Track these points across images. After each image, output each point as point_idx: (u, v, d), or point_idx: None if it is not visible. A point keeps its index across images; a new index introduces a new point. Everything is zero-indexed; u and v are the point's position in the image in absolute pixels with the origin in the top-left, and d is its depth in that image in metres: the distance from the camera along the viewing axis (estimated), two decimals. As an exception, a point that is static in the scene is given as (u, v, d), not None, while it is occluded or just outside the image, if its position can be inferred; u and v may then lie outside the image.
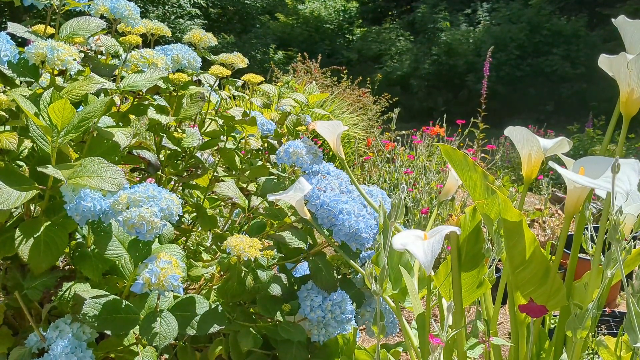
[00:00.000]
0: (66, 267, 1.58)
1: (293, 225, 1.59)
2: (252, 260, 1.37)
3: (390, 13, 14.36)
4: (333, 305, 1.46)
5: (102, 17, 1.55)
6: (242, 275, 1.45)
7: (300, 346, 1.45)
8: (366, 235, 1.46)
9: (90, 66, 1.57)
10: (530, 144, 1.03)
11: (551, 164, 0.90)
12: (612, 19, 0.95)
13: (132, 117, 1.68)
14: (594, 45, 9.75)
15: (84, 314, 1.30)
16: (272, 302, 1.47)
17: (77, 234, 1.50)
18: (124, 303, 1.34)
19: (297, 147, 1.63)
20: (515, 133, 1.04)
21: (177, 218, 1.32)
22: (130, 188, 1.29)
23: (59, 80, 1.54)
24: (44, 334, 1.33)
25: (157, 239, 1.45)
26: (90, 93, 1.43)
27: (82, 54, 1.59)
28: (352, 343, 1.47)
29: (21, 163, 1.43)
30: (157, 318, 1.30)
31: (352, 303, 1.51)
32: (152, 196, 1.28)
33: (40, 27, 1.53)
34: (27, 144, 1.39)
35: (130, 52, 1.55)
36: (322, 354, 1.49)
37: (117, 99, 1.64)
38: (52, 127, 1.27)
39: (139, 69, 1.56)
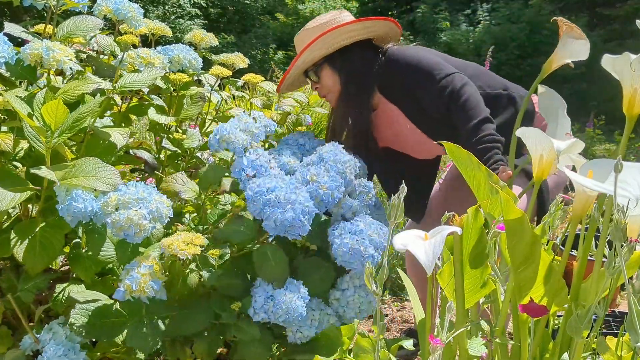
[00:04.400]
0: (63, 268, 1.57)
1: (240, 215, 1.47)
2: (190, 258, 1.26)
3: (390, 13, 14.34)
4: (275, 306, 1.32)
5: (105, 18, 1.54)
6: (187, 274, 1.36)
7: (260, 344, 1.37)
8: (299, 223, 1.32)
9: (94, 66, 1.56)
10: (542, 145, 1.02)
11: (559, 166, 0.89)
12: (637, 21, 0.95)
13: (133, 117, 1.68)
14: (594, 45, 9.68)
15: (71, 324, 1.27)
16: (226, 301, 1.39)
17: (77, 234, 1.49)
18: (114, 307, 1.31)
19: (227, 131, 1.46)
20: (528, 134, 1.03)
21: (167, 220, 1.29)
22: (120, 189, 1.27)
23: (59, 80, 1.53)
24: (38, 336, 1.32)
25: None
26: (87, 93, 1.41)
27: (84, 54, 1.58)
28: (340, 335, 1.41)
29: (17, 164, 1.42)
30: (144, 324, 1.27)
31: (306, 298, 1.36)
32: (142, 198, 1.25)
33: (42, 27, 1.53)
34: (24, 144, 1.38)
35: (127, 51, 1.54)
36: (302, 349, 1.43)
37: (118, 99, 1.64)
38: (46, 128, 1.26)
39: (136, 68, 1.56)
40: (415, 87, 1.66)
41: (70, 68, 1.36)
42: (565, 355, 1.07)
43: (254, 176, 1.42)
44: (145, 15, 1.59)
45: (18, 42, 1.42)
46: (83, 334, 1.28)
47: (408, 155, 1.88)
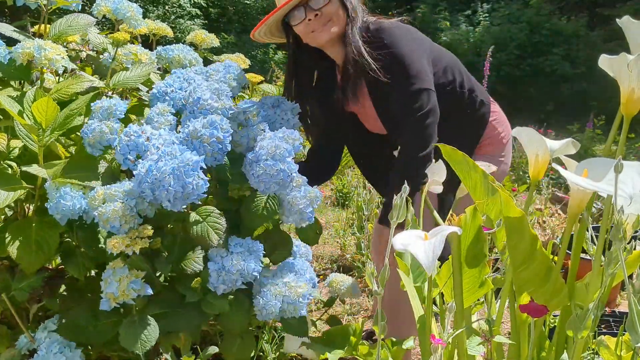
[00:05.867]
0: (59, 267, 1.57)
1: None
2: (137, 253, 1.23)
3: (390, 13, 14.35)
4: (227, 274, 1.29)
5: (104, 17, 1.54)
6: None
7: (237, 311, 1.35)
8: (190, 186, 1.20)
9: (93, 66, 1.56)
10: (537, 145, 1.03)
11: (554, 165, 0.90)
12: (617, 19, 0.95)
13: (132, 117, 1.68)
14: (594, 45, 9.74)
15: (56, 329, 1.27)
16: (188, 280, 1.35)
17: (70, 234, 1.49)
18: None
19: (91, 131, 1.30)
20: (523, 134, 1.04)
21: (153, 213, 1.29)
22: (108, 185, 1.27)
23: (57, 80, 1.53)
24: (34, 334, 1.32)
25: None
26: (81, 92, 1.41)
27: (85, 54, 1.59)
28: (356, 334, 1.42)
29: (12, 163, 1.42)
30: (137, 323, 1.25)
31: (258, 252, 1.32)
32: (128, 191, 1.25)
33: (44, 27, 1.53)
34: (18, 143, 1.38)
35: (118, 48, 1.54)
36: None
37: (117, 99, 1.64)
38: (37, 126, 1.26)
39: (125, 66, 1.55)
40: (388, 74, 1.62)
41: (64, 67, 1.35)
42: (565, 355, 1.07)
43: (139, 158, 1.28)
44: (145, 15, 1.59)
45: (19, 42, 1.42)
46: (69, 336, 1.27)
47: (361, 122, 1.88)
